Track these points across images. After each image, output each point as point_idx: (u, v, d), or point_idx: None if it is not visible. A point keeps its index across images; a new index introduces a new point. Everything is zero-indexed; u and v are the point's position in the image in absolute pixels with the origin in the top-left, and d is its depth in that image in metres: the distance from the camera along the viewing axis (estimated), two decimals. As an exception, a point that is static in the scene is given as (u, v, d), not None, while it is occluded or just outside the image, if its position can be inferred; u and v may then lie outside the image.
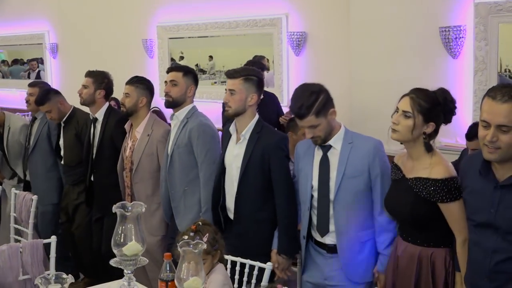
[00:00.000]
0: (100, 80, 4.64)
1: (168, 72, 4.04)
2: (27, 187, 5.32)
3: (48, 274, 1.96)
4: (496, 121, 2.33)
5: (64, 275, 1.88)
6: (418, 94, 2.78)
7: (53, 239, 3.50)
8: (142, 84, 4.25)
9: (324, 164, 3.11)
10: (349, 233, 3.05)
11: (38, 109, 5.04)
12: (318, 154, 3.15)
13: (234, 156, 3.46)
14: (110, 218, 4.12)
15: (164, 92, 3.94)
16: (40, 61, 8.83)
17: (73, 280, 1.92)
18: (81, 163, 4.77)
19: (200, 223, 2.81)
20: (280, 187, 3.34)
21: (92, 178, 4.65)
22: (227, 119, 3.98)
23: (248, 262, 3.14)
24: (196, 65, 6.81)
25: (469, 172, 2.62)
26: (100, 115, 4.58)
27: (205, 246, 2.16)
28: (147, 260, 2.01)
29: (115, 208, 1.96)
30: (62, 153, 4.97)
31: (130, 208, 1.94)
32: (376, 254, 3.10)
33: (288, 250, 3.29)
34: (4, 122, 5.42)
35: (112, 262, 2.00)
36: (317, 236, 3.18)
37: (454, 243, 2.76)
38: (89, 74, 4.70)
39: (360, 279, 3.10)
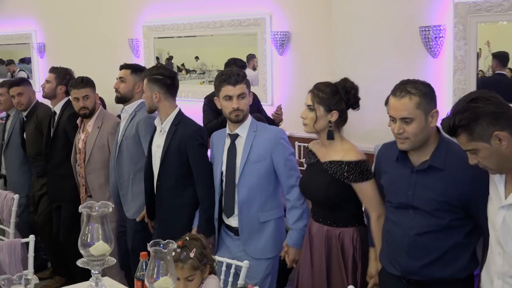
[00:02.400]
0: (63, 76, 4.85)
1: (120, 69, 4.23)
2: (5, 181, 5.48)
3: (26, 274, 1.90)
4: (399, 115, 2.57)
5: (30, 276, 1.83)
6: (319, 87, 3.02)
7: (31, 238, 3.44)
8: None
9: (232, 151, 3.34)
10: (250, 214, 3.29)
11: (11, 106, 5.29)
12: (227, 142, 3.39)
13: (157, 146, 3.70)
14: (67, 207, 4.53)
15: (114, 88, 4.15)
16: (28, 60, 8.74)
17: (37, 281, 1.88)
18: (41, 155, 4.93)
19: (187, 238, 2.73)
20: (197, 173, 3.55)
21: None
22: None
23: (225, 260, 3.10)
24: (182, 64, 6.78)
25: (386, 159, 2.84)
26: (57, 108, 4.78)
27: (175, 245, 2.11)
28: (115, 260, 1.97)
29: (81, 208, 1.91)
30: (26, 145, 5.17)
31: (97, 208, 1.89)
32: (279, 233, 3.33)
33: (205, 230, 3.43)
34: None
35: (79, 262, 1.95)
36: (225, 219, 3.43)
37: (362, 222, 3.05)
38: (53, 70, 4.95)
39: (261, 255, 3.30)
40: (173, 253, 2.58)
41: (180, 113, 3.71)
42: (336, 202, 3.00)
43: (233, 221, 3.36)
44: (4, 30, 8.96)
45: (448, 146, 2.62)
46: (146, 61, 7.01)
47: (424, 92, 2.59)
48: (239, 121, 3.33)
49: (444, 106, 4.35)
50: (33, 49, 8.52)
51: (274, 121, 4.84)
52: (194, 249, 2.65)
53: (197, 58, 6.69)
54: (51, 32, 8.34)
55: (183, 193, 3.60)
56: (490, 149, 2.18)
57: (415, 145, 2.61)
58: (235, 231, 3.37)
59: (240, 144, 3.32)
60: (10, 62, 8.90)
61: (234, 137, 3.34)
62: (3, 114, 5.72)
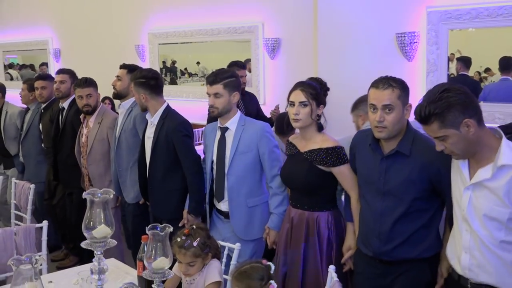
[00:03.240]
0: (74, 76, 4.92)
1: (119, 68, 4.32)
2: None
3: (34, 255, 1.86)
4: (382, 103, 2.54)
5: (37, 256, 1.79)
6: (305, 86, 2.98)
7: (44, 224, 3.41)
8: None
9: (222, 143, 3.33)
10: (239, 199, 3.29)
11: (31, 101, 5.33)
12: (218, 134, 3.38)
13: (147, 138, 3.73)
14: (77, 193, 4.46)
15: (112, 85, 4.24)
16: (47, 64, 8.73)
17: (44, 261, 1.85)
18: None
19: (194, 226, 2.67)
20: (184, 161, 3.57)
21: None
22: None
23: (219, 243, 3.07)
24: (185, 68, 6.76)
25: (360, 146, 2.81)
26: (66, 104, 4.82)
27: (171, 229, 2.08)
28: (116, 242, 1.94)
29: (85, 195, 1.89)
30: (42, 136, 5.19)
31: (99, 194, 1.87)
32: (264, 217, 3.31)
33: (194, 211, 3.53)
34: (2, 106, 5.59)
35: (83, 244, 1.92)
36: (216, 204, 3.43)
37: (336, 206, 3.05)
38: (64, 71, 4.99)
39: (248, 237, 3.29)
40: (178, 239, 2.57)
41: (167, 108, 3.72)
42: (313, 188, 2.98)
43: (223, 206, 3.37)
44: (23, 37, 8.95)
45: (414, 135, 2.61)
46: (151, 64, 6.98)
47: (403, 86, 2.60)
48: (215, 117, 3.37)
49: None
50: (50, 54, 8.51)
51: (271, 119, 4.81)
52: (198, 239, 2.59)
53: (198, 63, 6.68)
54: (65, 39, 8.32)
55: (172, 178, 3.62)
56: (459, 135, 2.18)
57: (391, 134, 2.58)
58: (225, 214, 3.36)
59: (229, 136, 3.32)
60: (43, 64, 8.89)
61: (224, 130, 3.33)
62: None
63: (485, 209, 2.21)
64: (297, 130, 3.28)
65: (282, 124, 4.00)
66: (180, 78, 6.83)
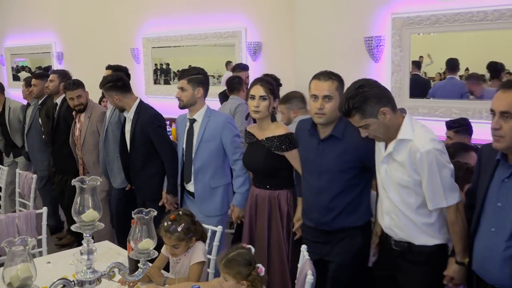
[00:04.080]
0: (63, 76, 4.91)
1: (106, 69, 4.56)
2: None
3: (26, 237, 1.80)
4: (322, 94, 2.62)
5: (29, 239, 1.74)
6: (264, 82, 3.05)
7: (44, 210, 3.35)
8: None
9: (190, 132, 3.39)
10: (203, 181, 3.34)
11: (30, 97, 5.36)
12: (187, 125, 3.42)
13: (126, 131, 3.77)
14: (70, 179, 4.37)
15: None
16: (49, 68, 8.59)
17: (35, 243, 1.80)
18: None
19: (180, 213, 2.63)
20: (160, 149, 3.62)
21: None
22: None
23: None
24: (178, 70, 6.65)
25: (301, 133, 2.90)
26: (59, 100, 4.81)
27: (155, 213, 2.03)
28: (103, 225, 1.89)
29: (74, 182, 1.83)
30: (42, 129, 5.20)
31: (87, 181, 1.82)
32: (225, 197, 3.39)
33: (172, 191, 3.57)
34: (5, 103, 5.56)
35: (73, 227, 1.87)
36: (185, 185, 3.48)
37: (293, 185, 3.07)
38: (54, 71, 5.07)
39: (212, 213, 3.34)
40: (165, 224, 2.53)
41: (140, 103, 3.76)
42: (272, 171, 3.05)
43: (190, 187, 3.43)
44: (29, 41, 8.81)
45: (346, 122, 2.63)
46: (145, 66, 6.92)
47: (340, 80, 2.69)
48: (181, 108, 3.42)
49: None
50: (53, 57, 8.37)
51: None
52: (183, 224, 2.56)
53: (189, 66, 6.56)
54: (67, 43, 8.20)
55: (151, 165, 3.67)
56: (378, 122, 2.30)
57: (328, 120, 2.66)
58: (192, 194, 3.42)
59: (196, 126, 3.37)
60: (47, 66, 8.74)
61: (192, 121, 3.40)
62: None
63: (397, 179, 2.38)
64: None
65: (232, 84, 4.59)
66: (174, 79, 6.74)
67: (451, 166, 2.33)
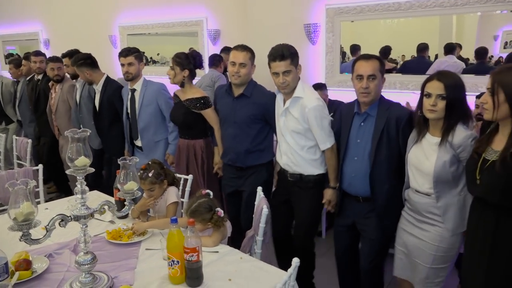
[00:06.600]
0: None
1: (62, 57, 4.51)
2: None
3: (28, 180, 1.71)
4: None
5: (29, 180, 1.66)
6: (176, 55, 3.17)
7: (40, 167, 3.21)
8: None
9: (132, 99, 3.51)
10: (147, 137, 3.50)
11: (19, 75, 5.29)
12: (130, 94, 3.52)
13: (96, 101, 3.83)
14: (49, 141, 4.74)
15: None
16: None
17: (35, 183, 1.72)
18: None
19: (150, 162, 2.59)
20: (122, 114, 3.68)
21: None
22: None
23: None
24: (151, 58, 6.43)
25: (220, 93, 3.04)
26: (40, 76, 4.83)
27: (138, 159, 1.98)
28: (94, 169, 1.82)
29: (66, 133, 1.74)
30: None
31: (78, 132, 1.74)
32: (165, 147, 3.49)
33: (129, 147, 3.73)
34: None
35: (68, 171, 1.79)
36: (135, 141, 3.63)
37: (207, 135, 3.22)
38: (39, 53, 4.97)
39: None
40: (138, 173, 2.48)
41: (107, 78, 3.81)
42: (190, 124, 3.20)
43: (138, 142, 3.57)
44: (18, 29, 8.26)
45: (255, 84, 2.88)
46: (122, 50, 6.64)
47: (252, 52, 2.89)
48: (128, 80, 3.47)
49: (319, 76, 4.38)
50: (41, 43, 7.88)
51: None
52: (152, 171, 2.52)
53: (158, 54, 6.38)
54: (53, 31, 7.74)
55: (116, 128, 3.74)
56: (295, 73, 2.60)
57: (242, 81, 2.83)
58: (140, 148, 3.57)
59: (137, 95, 3.49)
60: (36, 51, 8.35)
61: (133, 90, 3.51)
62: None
63: (292, 127, 2.63)
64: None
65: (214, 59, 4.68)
66: (148, 64, 6.50)
67: (330, 117, 2.60)
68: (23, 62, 5.14)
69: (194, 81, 4.63)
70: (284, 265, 2.58)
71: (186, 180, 2.91)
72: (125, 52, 3.43)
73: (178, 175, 2.88)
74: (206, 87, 4.58)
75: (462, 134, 2.02)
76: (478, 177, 1.82)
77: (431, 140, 2.12)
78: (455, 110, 2.03)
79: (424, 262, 2.18)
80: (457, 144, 2.02)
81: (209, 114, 3.11)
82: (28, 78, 5.09)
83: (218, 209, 2.25)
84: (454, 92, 2.02)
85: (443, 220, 2.10)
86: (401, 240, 2.30)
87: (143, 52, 6.34)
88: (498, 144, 1.82)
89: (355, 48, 4.23)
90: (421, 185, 2.15)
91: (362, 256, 2.53)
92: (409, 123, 2.28)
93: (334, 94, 4.17)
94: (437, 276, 2.17)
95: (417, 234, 2.20)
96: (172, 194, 2.56)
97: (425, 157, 2.12)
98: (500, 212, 1.77)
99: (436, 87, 2.03)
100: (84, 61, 3.72)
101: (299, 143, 2.63)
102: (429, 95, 2.06)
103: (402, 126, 2.28)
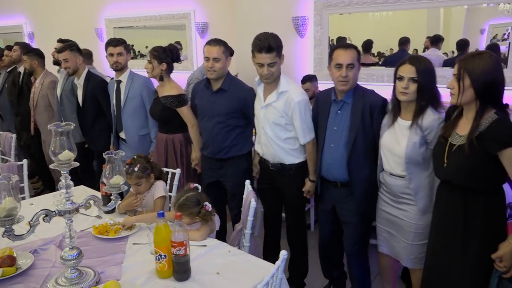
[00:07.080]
0: (24, 47, 4.91)
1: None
2: None
3: (10, 174, 1.67)
4: (212, 56, 2.80)
5: (12, 175, 1.62)
6: (154, 49, 3.16)
7: (24, 162, 3.15)
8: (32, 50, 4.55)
9: (118, 92, 3.50)
10: (132, 130, 3.45)
11: (1, 67, 5.20)
12: (115, 86, 3.49)
13: (78, 96, 3.80)
14: (31, 136, 4.66)
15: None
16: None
17: (17, 178, 1.68)
18: None
19: (135, 157, 2.56)
20: (106, 108, 3.66)
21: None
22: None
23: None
24: (139, 51, 6.34)
25: (198, 88, 3.04)
26: (21, 69, 4.76)
27: (123, 153, 1.95)
28: (78, 163, 1.79)
29: (49, 127, 1.70)
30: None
31: (62, 125, 1.70)
32: (150, 142, 3.46)
33: (114, 142, 3.67)
34: None
35: (51, 166, 1.75)
36: (120, 134, 3.59)
37: (186, 130, 3.19)
38: (17, 43, 4.96)
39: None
40: (124, 168, 2.44)
41: (89, 72, 3.78)
42: (167, 120, 3.20)
43: (123, 134, 3.54)
44: (2, 23, 8.09)
45: (232, 78, 2.90)
46: (108, 44, 6.54)
47: (227, 45, 2.91)
48: (117, 70, 3.44)
49: (308, 69, 4.37)
50: (25, 36, 7.73)
51: None
52: (138, 165, 2.49)
53: (146, 47, 6.29)
54: (37, 23, 7.60)
55: (99, 122, 3.73)
56: (279, 63, 2.61)
57: (218, 75, 2.84)
58: (124, 140, 3.53)
59: (122, 86, 3.46)
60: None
61: (118, 82, 3.48)
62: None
63: (272, 119, 2.66)
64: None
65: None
66: (136, 58, 6.42)
67: (311, 112, 2.64)
68: (5, 52, 5.07)
69: (187, 74, 4.66)
70: (273, 253, 2.82)
71: (174, 174, 2.89)
72: (115, 42, 3.41)
73: (165, 169, 2.85)
74: (195, 80, 4.55)
75: (430, 117, 2.13)
76: (446, 161, 1.91)
77: (402, 123, 2.22)
78: (426, 93, 2.13)
79: (406, 239, 2.30)
80: (425, 126, 2.13)
81: (184, 112, 3.12)
82: (8, 70, 5.00)
83: (206, 203, 2.23)
84: (425, 76, 2.12)
85: (415, 200, 2.22)
86: (382, 220, 2.43)
87: (132, 45, 6.30)
88: (463, 128, 1.92)
89: (341, 40, 4.22)
90: (394, 168, 2.26)
91: (345, 241, 2.64)
92: (383, 109, 2.38)
93: (322, 87, 4.16)
94: (421, 252, 2.26)
95: (396, 213, 2.32)
96: (159, 188, 2.53)
97: (396, 141, 2.23)
98: (468, 194, 1.88)
99: (408, 71, 2.14)
100: (77, 46, 3.75)
101: (278, 135, 2.68)
102: (401, 78, 2.16)
103: (376, 112, 2.38)
